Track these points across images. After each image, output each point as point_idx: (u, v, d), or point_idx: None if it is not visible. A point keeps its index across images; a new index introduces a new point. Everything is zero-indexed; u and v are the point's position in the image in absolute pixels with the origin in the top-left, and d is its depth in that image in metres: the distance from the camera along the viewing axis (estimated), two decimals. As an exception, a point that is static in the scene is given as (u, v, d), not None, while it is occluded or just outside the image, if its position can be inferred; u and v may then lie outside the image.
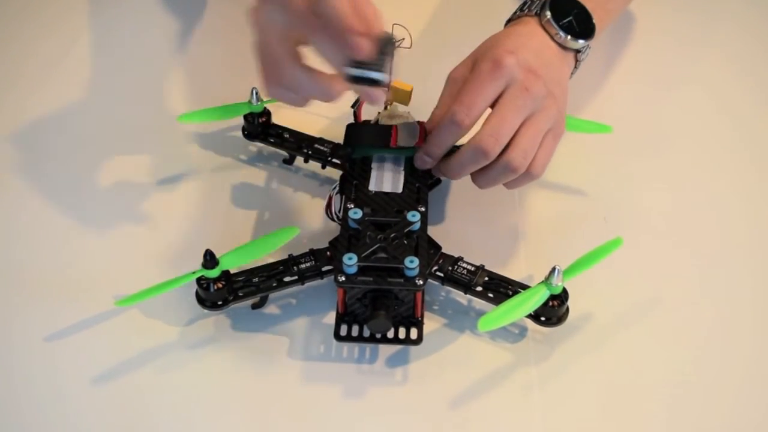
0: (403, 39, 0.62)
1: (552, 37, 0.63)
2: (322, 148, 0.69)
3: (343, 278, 0.55)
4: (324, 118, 0.73)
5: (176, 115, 0.70)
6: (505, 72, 0.58)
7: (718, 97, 0.79)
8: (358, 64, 0.53)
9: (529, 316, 0.58)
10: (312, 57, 0.56)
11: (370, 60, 0.53)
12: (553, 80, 0.61)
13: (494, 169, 0.59)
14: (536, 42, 0.62)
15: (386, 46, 0.55)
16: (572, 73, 0.66)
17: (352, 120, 0.66)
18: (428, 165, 0.61)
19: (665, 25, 0.86)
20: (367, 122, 0.66)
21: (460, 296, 0.62)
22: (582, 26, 0.64)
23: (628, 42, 0.85)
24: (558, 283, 0.56)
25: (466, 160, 0.59)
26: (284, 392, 0.57)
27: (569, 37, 0.63)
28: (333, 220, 0.63)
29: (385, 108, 0.66)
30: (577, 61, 0.66)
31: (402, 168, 0.62)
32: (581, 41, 0.64)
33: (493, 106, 0.59)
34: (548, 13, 0.63)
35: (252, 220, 0.67)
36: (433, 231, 0.61)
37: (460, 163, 0.60)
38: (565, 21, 0.64)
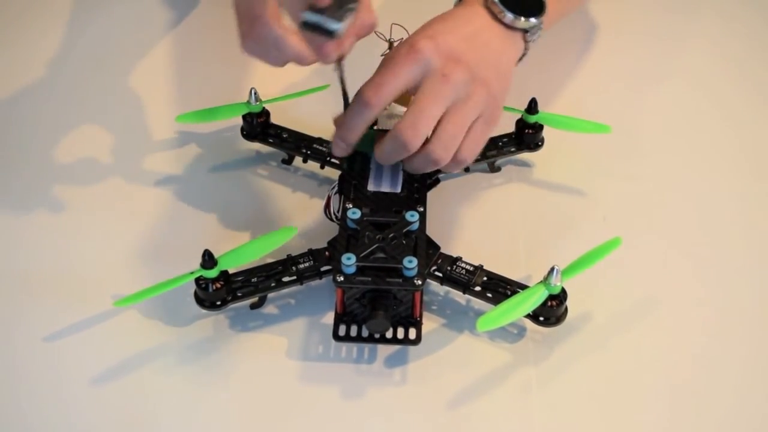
0: (402, 39, 0.62)
1: (496, 17, 0.61)
2: (320, 148, 0.69)
3: (342, 278, 0.55)
4: (323, 118, 0.73)
5: (175, 115, 0.70)
6: (418, 57, 0.56)
7: (715, 95, 0.79)
8: (317, 12, 0.52)
9: (528, 316, 0.58)
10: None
11: (330, 9, 0.52)
12: (488, 64, 0.58)
13: (417, 159, 0.58)
14: (474, 25, 0.60)
15: (349, 2, 0.53)
16: (522, 57, 0.63)
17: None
18: (343, 151, 0.59)
19: (659, 22, 0.87)
20: None
21: (458, 296, 0.62)
22: (529, 4, 0.62)
23: (625, 41, 0.85)
24: (557, 283, 0.56)
25: (387, 149, 0.57)
26: (283, 392, 0.57)
27: (516, 16, 0.61)
28: (332, 220, 0.63)
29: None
30: (526, 42, 0.63)
31: (400, 168, 0.62)
32: (532, 20, 0.61)
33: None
34: None
35: (250, 220, 0.67)
36: (431, 231, 0.61)
37: (383, 152, 0.58)
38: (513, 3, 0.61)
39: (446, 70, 0.56)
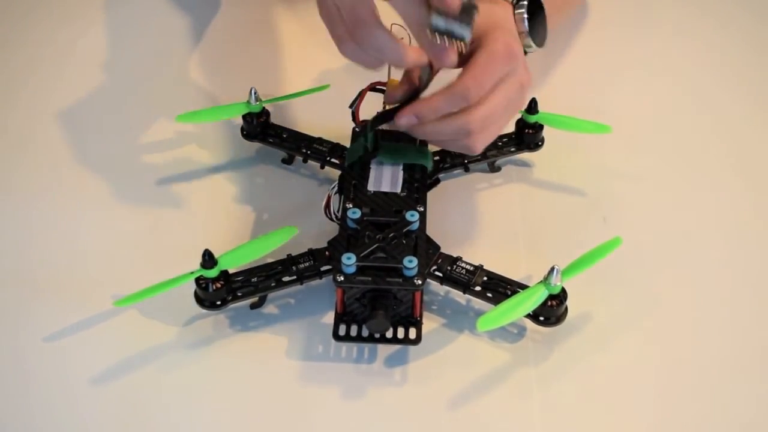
0: (402, 39, 0.62)
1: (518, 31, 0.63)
2: (320, 148, 0.69)
3: (342, 278, 0.55)
4: (323, 118, 0.73)
5: (175, 115, 0.70)
6: (513, 61, 0.57)
7: (717, 95, 0.79)
8: (446, 18, 0.52)
9: (528, 315, 0.58)
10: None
11: (456, 16, 0.52)
12: None
13: (457, 144, 0.59)
14: (515, 29, 0.61)
15: (469, 9, 0.53)
16: None
17: (350, 120, 0.65)
18: (409, 123, 0.58)
19: (663, 23, 0.87)
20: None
21: (459, 296, 0.62)
22: (541, 32, 0.65)
23: (626, 40, 0.85)
24: (557, 282, 0.56)
25: (449, 130, 0.58)
26: (283, 392, 0.57)
27: (528, 37, 0.63)
28: (332, 220, 0.63)
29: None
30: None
31: (401, 168, 0.62)
32: (534, 46, 0.64)
33: None
34: (524, 7, 0.62)
35: (251, 220, 0.67)
36: (431, 231, 0.61)
37: (440, 131, 0.58)
38: (529, 22, 0.63)
39: (523, 78, 0.58)
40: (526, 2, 0.63)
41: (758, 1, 0.90)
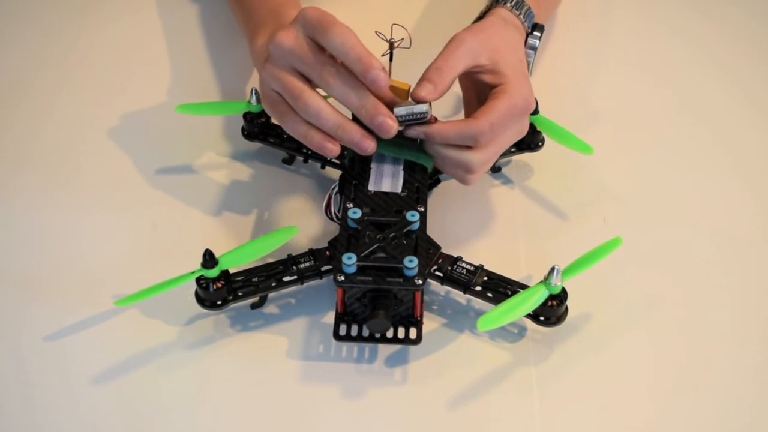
0: (403, 39, 0.62)
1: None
2: (321, 147, 0.68)
3: (343, 278, 0.55)
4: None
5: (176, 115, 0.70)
6: (525, 115, 0.61)
7: (717, 98, 0.79)
8: (401, 106, 0.57)
9: (528, 315, 0.58)
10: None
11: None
12: None
13: (456, 157, 0.60)
14: None
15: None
16: None
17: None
18: (418, 137, 0.60)
19: (651, 19, 0.87)
20: None
21: (459, 296, 0.62)
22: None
23: (616, 36, 0.85)
24: (557, 282, 0.57)
25: (455, 136, 0.59)
26: (283, 392, 0.57)
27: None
28: (332, 220, 0.63)
29: None
30: None
31: (401, 168, 0.62)
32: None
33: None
34: (536, 40, 0.67)
35: (251, 220, 0.68)
36: (432, 231, 0.61)
37: (446, 136, 0.59)
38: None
39: (523, 128, 0.62)
40: (539, 34, 0.67)
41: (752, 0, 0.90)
